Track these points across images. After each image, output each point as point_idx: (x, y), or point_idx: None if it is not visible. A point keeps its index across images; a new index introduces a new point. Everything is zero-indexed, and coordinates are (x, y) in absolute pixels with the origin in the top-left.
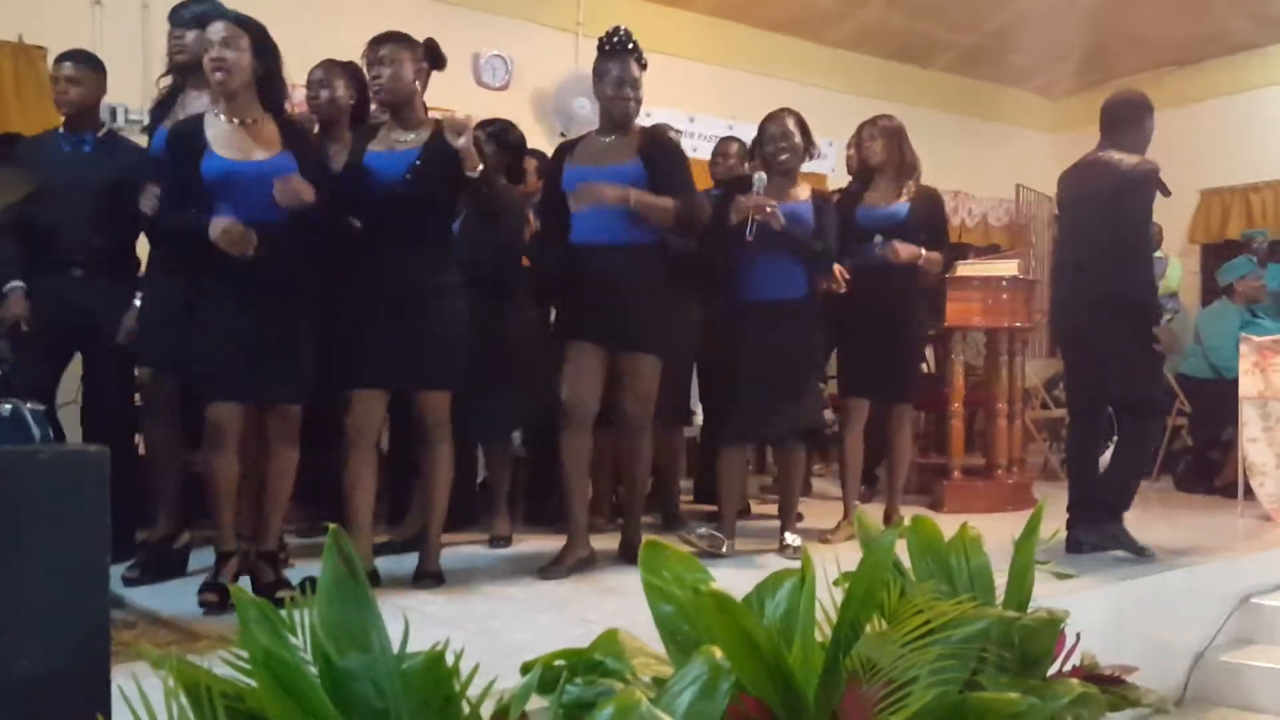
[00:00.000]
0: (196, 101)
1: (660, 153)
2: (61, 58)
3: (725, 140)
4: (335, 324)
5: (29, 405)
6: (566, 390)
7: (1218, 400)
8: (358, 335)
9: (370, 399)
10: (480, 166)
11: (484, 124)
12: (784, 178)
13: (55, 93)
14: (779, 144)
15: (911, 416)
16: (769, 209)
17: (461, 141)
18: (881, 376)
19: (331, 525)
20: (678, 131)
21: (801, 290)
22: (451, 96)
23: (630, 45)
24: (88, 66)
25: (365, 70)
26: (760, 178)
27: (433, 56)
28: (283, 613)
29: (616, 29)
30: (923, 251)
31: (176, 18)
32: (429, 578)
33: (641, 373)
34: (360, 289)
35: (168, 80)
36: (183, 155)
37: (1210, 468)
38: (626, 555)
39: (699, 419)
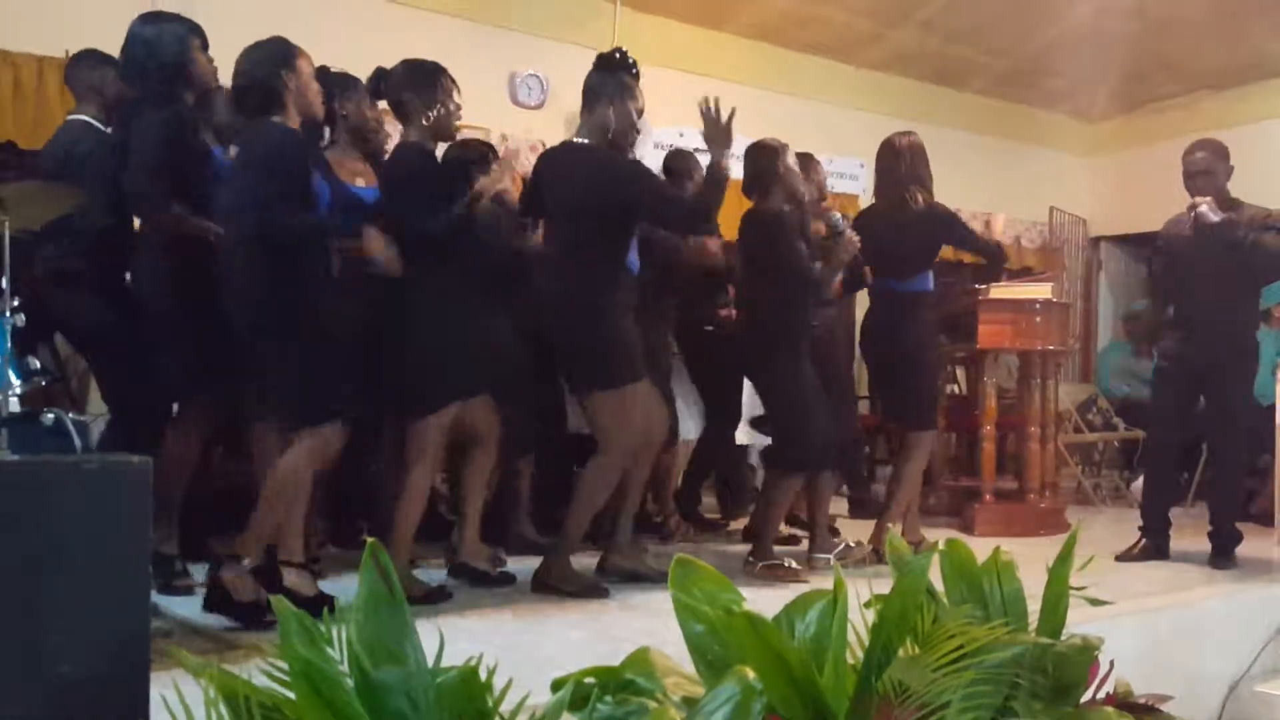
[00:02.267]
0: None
1: None
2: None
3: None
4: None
5: (71, 415)
6: (649, 426)
7: (1253, 427)
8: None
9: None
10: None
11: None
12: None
13: None
14: None
15: (927, 445)
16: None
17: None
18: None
19: (370, 540)
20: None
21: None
22: (488, 115)
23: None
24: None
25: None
26: (835, 217)
27: None
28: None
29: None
30: None
31: None
32: (466, 573)
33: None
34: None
35: None
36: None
37: (1245, 495)
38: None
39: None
